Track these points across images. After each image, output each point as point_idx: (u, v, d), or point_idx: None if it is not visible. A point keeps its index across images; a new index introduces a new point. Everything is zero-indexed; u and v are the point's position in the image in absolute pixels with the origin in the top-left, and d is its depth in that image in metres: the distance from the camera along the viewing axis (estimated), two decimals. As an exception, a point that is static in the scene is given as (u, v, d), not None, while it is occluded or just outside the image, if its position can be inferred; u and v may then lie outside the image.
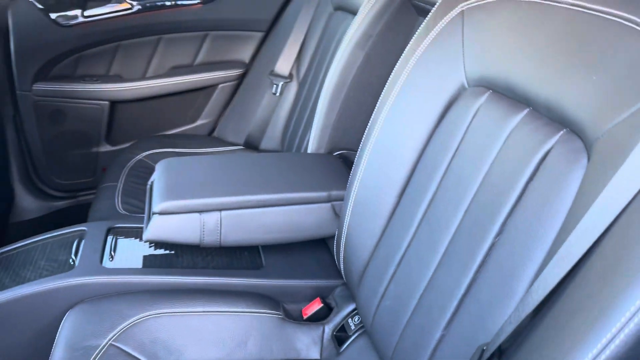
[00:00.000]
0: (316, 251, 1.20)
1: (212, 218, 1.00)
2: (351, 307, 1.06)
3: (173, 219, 0.99)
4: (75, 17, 1.74)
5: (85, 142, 1.85)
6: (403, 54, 0.94)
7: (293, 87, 1.71)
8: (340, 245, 1.03)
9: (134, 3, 1.79)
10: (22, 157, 1.81)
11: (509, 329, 0.56)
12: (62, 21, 1.73)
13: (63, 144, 1.83)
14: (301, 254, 1.19)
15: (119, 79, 1.83)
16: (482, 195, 0.73)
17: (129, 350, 0.91)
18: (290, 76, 1.70)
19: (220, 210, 1.01)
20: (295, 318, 1.08)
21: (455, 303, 0.72)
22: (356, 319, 1.04)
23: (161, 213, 0.99)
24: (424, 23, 0.92)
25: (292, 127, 1.63)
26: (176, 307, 0.99)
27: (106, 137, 1.87)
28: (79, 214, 1.63)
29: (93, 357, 0.89)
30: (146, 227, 1.01)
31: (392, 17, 1.20)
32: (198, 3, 1.83)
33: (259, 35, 1.89)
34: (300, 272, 1.14)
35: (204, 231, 1.00)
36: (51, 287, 1.00)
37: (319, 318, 1.08)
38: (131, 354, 0.91)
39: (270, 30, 1.88)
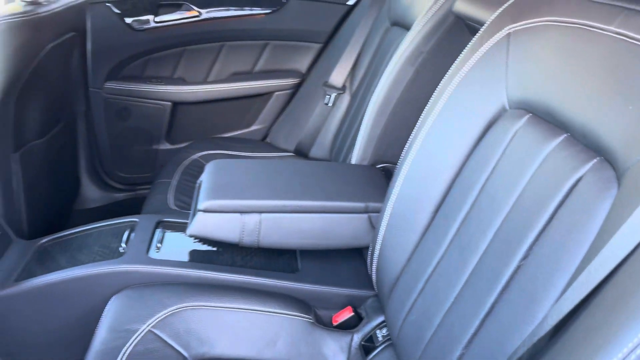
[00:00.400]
0: (352, 261, 1.22)
1: (252, 219, 1.05)
2: (381, 318, 1.07)
3: (215, 217, 1.04)
4: (148, 22, 1.86)
5: (147, 139, 1.96)
6: (448, 72, 0.95)
7: (345, 99, 1.74)
8: (373, 257, 1.05)
9: (203, 11, 1.89)
10: (90, 150, 1.94)
11: (521, 351, 0.56)
12: (135, 25, 1.85)
13: (127, 139, 1.95)
14: (337, 262, 1.22)
15: (182, 81, 1.94)
16: (513, 218, 0.73)
17: (165, 337, 0.97)
18: (344, 88, 1.74)
19: (260, 212, 1.05)
20: (325, 324, 1.10)
21: (477, 323, 0.72)
22: (384, 331, 1.05)
23: (205, 211, 1.04)
24: (470, 43, 0.92)
25: (341, 138, 1.66)
26: (212, 302, 1.04)
27: (166, 136, 1.97)
28: (135, 206, 1.73)
29: (132, 340, 0.95)
30: (190, 222, 1.07)
31: (444, 35, 1.21)
32: (261, 13, 1.91)
33: (316, 46, 1.95)
34: (335, 279, 1.16)
35: (243, 231, 1.05)
36: (101, 272, 1.08)
37: (348, 326, 1.09)
38: (166, 341, 0.96)
39: (328, 42, 1.93)
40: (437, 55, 1.22)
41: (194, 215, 1.07)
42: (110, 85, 1.86)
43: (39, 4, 1.30)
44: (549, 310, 0.58)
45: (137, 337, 0.95)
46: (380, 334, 1.05)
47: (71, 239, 1.25)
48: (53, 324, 1.11)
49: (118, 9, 1.82)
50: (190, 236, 1.06)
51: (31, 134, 1.41)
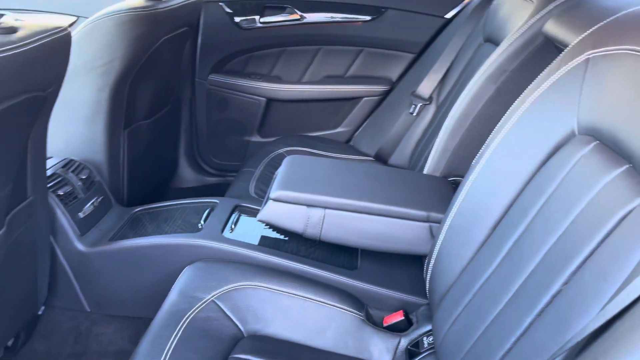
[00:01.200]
0: (412, 268, 1.25)
1: (317, 213, 1.11)
2: (430, 326, 1.09)
3: (284, 207, 1.12)
4: (254, 21, 2.00)
5: (240, 130, 2.11)
6: (524, 92, 0.96)
7: (431, 110, 1.76)
8: (429, 266, 1.07)
9: (305, 15, 2.00)
10: (190, 134, 2.12)
11: None
12: (243, 24, 2.00)
13: (223, 129, 2.11)
14: (397, 267, 1.25)
15: (278, 80, 2.06)
16: (562, 243, 0.73)
17: (225, 309, 1.06)
18: (430, 99, 1.75)
19: (325, 208, 1.11)
20: (375, 323, 1.14)
21: (512, 340, 0.73)
22: (430, 339, 1.07)
23: (275, 200, 1.13)
24: (550, 65, 0.92)
25: (420, 148, 1.68)
26: (273, 284, 1.12)
27: (258, 129, 2.10)
28: (222, 190, 1.88)
29: (196, 306, 1.05)
30: (261, 209, 1.16)
31: (531, 55, 1.20)
32: (359, 21, 1.98)
33: (409, 56, 1.98)
34: (392, 282, 1.20)
35: (307, 223, 1.12)
36: (179, 243, 1.21)
37: (397, 329, 1.12)
38: (226, 312, 1.06)
39: (422, 53, 1.95)
40: (522, 75, 1.21)
41: (265, 202, 1.16)
42: (214, 77, 2.03)
43: (159, 0, 1.46)
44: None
45: (201, 304, 1.06)
46: (427, 341, 1.07)
47: (160, 210, 1.40)
48: (135, 283, 1.26)
49: (229, 9, 1.98)
50: (260, 221, 1.15)
51: (140, 114, 1.59)
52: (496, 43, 1.45)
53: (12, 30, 0.78)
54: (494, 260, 0.88)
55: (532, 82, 0.95)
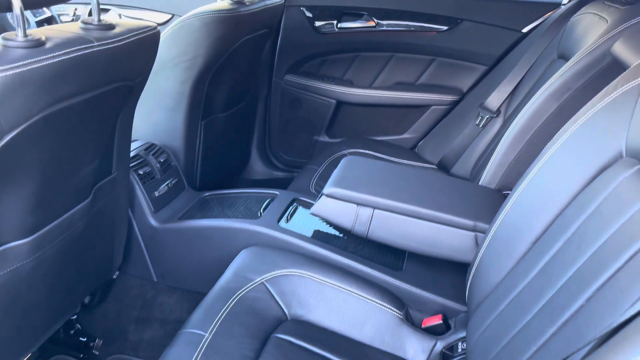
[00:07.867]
0: (456, 274, 1.27)
1: (365, 212, 1.17)
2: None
3: (335, 203, 1.19)
4: (332, 26, 2.09)
5: (310, 129, 2.20)
6: (579, 111, 0.96)
7: (497, 123, 1.75)
8: (470, 274, 1.10)
9: (383, 23, 2.05)
10: (263, 130, 2.24)
11: None
12: (321, 29, 2.09)
13: (294, 127, 2.22)
14: (442, 272, 1.28)
15: (349, 83, 2.13)
16: (592, 260, 0.75)
17: (272, 291, 1.15)
18: (498, 112, 1.75)
19: (374, 207, 1.17)
20: (414, 324, 1.18)
21: (533, 349, 0.76)
22: (465, 345, 1.09)
23: (328, 195, 1.20)
24: (606, 87, 0.93)
25: (483, 160, 1.68)
26: (319, 274, 1.19)
27: (326, 130, 2.19)
28: (287, 185, 1.98)
29: (247, 286, 1.14)
30: (315, 204, 1.23)
31: (598, 75, 1.19)
32: (434, 30, 2.01)
33: (482, 68, 1.98)
34: (435, 287, 1.23)
35: (356, 221, 1.18)
36: (239, 227, 1.31)
37: (435, 332, 1.16)
38: (273, 294, 1.14)
39: (494, 66, 1.94)
40: (585, 95, 1.19)
41: (319, 198, 1.23)
42: (289, 78, 2.13)
43: (243, 3, 1.58)
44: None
45: (251, 285, 1.15)
46: (461, 346, 1.10)
47: (226, 197, 1.51)
48: (197, 259, 1.38)
49: (310, 13, 2.07)
50: (312, 214, 1.23)
51: (217, 107, 1.72)
52: (568, 60, 1.44)
53: (111, 27, 0.91)
54: (529, 274, 0.90)
55: (589, 102, 0.95)
